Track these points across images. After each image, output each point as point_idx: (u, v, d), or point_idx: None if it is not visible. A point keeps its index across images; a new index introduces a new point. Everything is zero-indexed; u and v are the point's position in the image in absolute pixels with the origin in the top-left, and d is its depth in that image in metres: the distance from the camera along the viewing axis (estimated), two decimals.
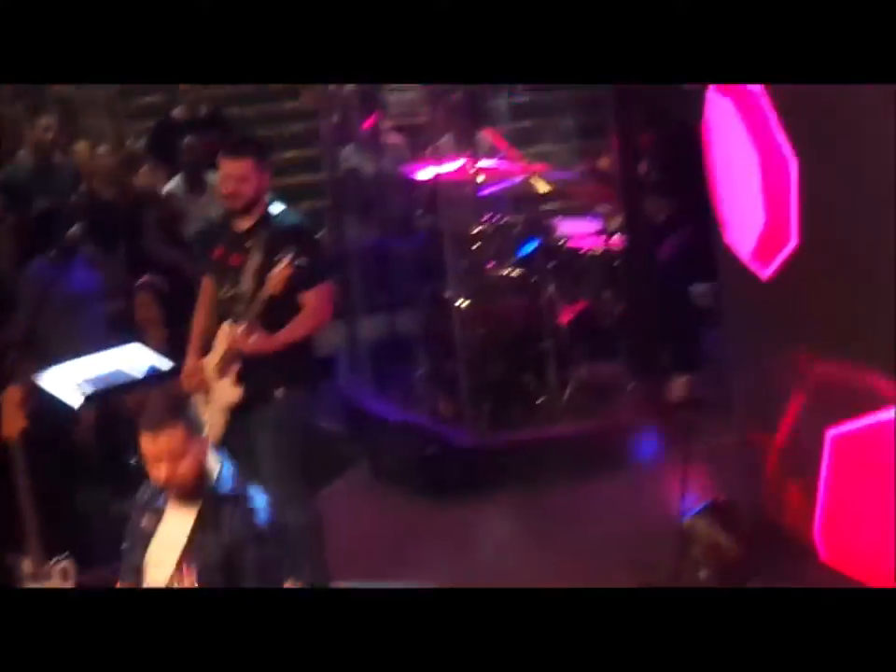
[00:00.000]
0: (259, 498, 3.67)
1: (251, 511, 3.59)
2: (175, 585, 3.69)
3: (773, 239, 4.60)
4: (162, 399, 3.97)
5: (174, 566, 3.56)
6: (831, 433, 4.44)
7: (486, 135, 7.38)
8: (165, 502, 3.68)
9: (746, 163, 4.67)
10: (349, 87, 7.89)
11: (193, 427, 3.63)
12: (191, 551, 3.56)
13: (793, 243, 4.46)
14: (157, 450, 3.51)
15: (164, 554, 3.60)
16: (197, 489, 3.57)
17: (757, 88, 4.68)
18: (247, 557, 3.60)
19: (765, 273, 4.63)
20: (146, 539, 3.65)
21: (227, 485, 3.60)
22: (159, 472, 3.50)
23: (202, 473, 3.58)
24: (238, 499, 3.61)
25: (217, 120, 8.34)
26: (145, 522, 3.69)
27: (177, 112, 8.34)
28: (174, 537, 3.60)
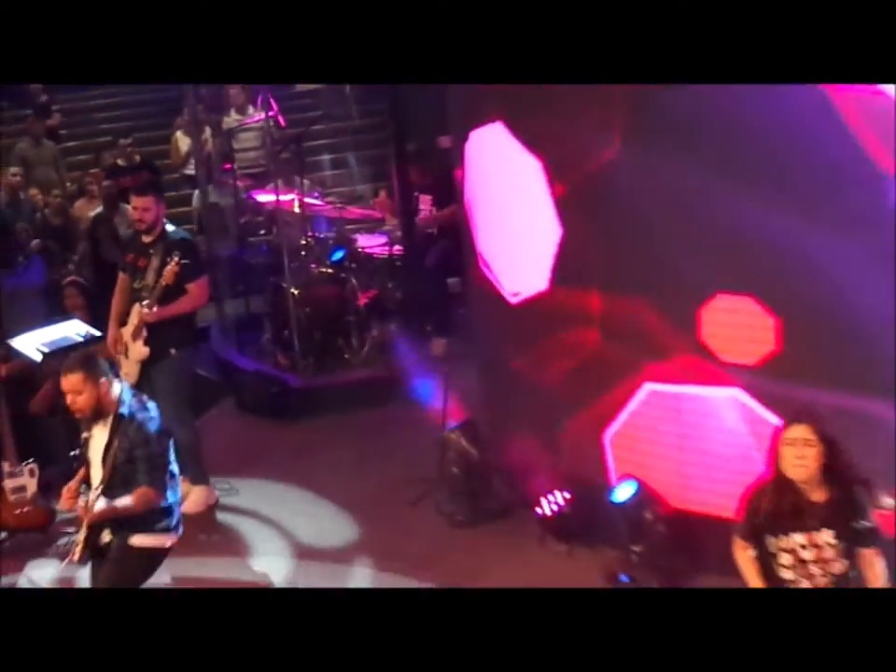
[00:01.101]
0: (149, 416, 4.36)
1: (142, 425, 4.28)
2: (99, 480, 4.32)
3: (533, 287, 5.43)
4: (77, 355, 4.60)
5: (100, 465, 4.29)
6: (648, 387, 5.07)
7: (307, 180, 8.56)
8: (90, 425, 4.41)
9: (539, 228, 5.21)
10: (210, 144, 9.05)
11: (91, 375, 4.28)
12: (107, 454, 4.29)
13: (544, 288, 5.34)
14: (65, 385, 4.26)
15: (96, 457, 4.37)
16: (98, 414, 4.30)
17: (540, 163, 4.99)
18: (138, 454, 4.28)
19: (513, 301, 5.57)
20: (86, 446, 4.46)
21: (126, 408, 4.30)
22: (69, 401, 4.30)
23: (96, 405, 4.26)
24: (133, 417, 4.29)
25: (147, 165, 9.67)
26: (84, 434, 4.46)
27: (120, 160, 9.65)
28: (97, 445, 4.37)
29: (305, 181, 8.33)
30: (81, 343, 6.36)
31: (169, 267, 5.47)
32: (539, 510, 5.53)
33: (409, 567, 5.41)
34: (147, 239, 5.65)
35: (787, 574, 3.79)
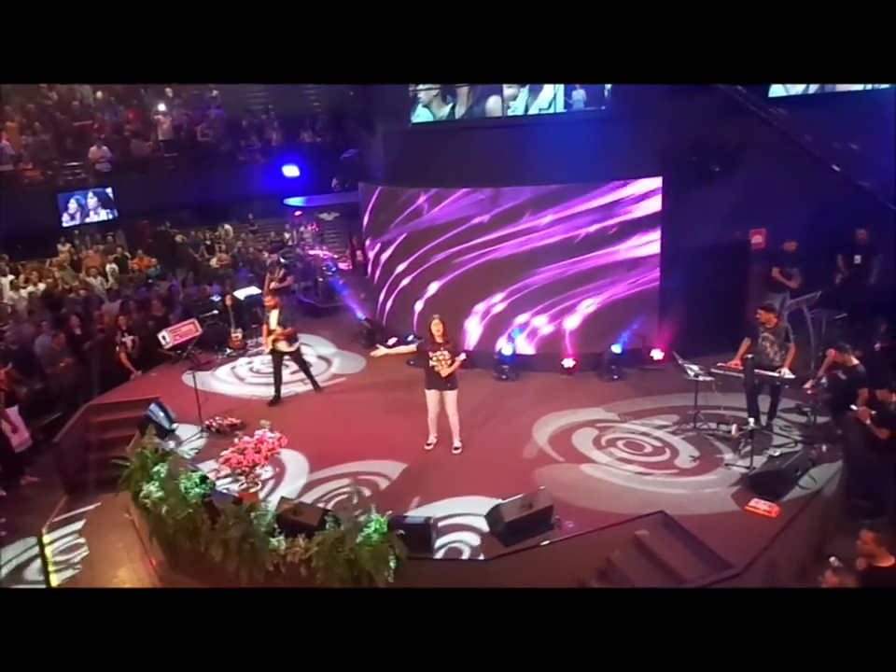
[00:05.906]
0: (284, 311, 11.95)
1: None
2: None
3: None
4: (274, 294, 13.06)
5: (275, 324, 11.16)
6: None
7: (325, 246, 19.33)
8: None
9: None
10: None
11: (277, 298, 11.84)
12: (278, 320, 11.18)
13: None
14: (269, 303, 11.27)
15: (272, 321, 11.27)
16: (274, 307, 11.23)
17: None
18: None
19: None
20: (268, 318, 11.29)
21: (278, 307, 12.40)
22: (273, 302, 11.24)
23: (277, 304, 11.18)
24: (282, 310, 11.59)
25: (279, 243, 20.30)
26: (268, 315, 11.47)
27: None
28: (273, 318, 11.36)
29: (324, 247, 19.42)
30: (258, 293, 14.99)
31: (279, 274, 16.34)
32: (389, 343, 12.69)
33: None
34: (274, 264, 17.21)
35: (432, 363, 8.63)
